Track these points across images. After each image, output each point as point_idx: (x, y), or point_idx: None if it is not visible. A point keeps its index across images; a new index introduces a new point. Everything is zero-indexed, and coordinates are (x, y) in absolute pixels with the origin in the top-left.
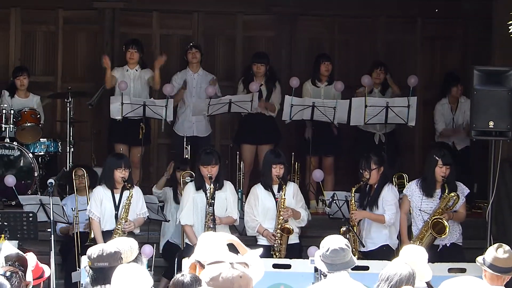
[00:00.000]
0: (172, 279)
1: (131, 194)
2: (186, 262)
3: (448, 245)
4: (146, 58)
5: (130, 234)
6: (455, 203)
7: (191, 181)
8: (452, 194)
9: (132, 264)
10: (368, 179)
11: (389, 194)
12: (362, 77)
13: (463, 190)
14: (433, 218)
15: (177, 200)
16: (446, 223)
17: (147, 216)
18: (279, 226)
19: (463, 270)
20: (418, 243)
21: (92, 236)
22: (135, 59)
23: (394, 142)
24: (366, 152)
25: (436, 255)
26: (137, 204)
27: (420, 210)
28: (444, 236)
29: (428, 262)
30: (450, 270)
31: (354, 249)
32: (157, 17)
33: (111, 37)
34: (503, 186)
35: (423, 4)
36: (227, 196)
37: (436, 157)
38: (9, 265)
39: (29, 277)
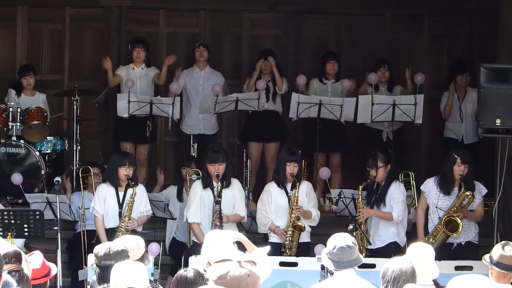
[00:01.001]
0: (176, 275)
1: (134, 192)
2: (195, 260)
3: (463, 243)
4: (152, 56)
5: (135, 232)
6: (470, 202)
7: (197, 178)
8: (468, 193)
9: (128, 261)
10: (375, 177)
11: (396, 191)
12: (369, 75)
13: (481, 190)
14: (447, 216)
15: (180, 198)
16: (459, 221)
17: (153, 214)
18: (291, 223)
19: (469, 268)
20: (432, 240)
21: None
22: (141, 57)
23: (401, 140)
24: (373, 150)
25: (450, 253)
26: (141, 202)
27: (436, 207)
28: (457, 234)
29: (441, 259)
30: (456, 268)
31: (361, 247)
32: (164, 15)
33: (118, 35)
34: (509, 183)
35: (429, 3)
36: (234, 193)
37: (455, 155)
38: (6, 262)
39: (25, 271)
